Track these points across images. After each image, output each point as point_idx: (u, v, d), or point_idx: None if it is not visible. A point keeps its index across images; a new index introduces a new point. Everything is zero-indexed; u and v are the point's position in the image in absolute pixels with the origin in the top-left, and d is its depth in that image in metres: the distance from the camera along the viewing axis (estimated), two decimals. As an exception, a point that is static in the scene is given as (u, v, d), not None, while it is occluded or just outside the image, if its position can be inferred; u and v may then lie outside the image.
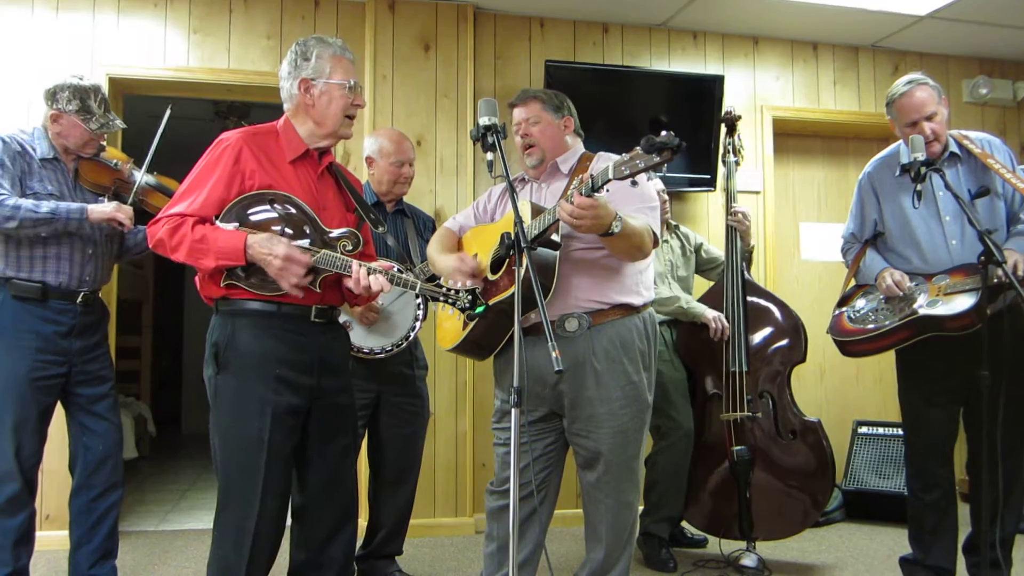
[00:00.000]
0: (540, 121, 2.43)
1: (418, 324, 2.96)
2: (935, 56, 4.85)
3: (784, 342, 3.38)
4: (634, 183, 1.99)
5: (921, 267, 2.78)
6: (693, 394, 3.45)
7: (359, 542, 3.09)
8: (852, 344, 2.85)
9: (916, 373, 2.87)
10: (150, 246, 2.13)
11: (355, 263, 2.10)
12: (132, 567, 3.38)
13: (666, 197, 3.54)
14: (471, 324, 2.30)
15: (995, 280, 2.46)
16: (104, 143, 2.88)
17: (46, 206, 2.59)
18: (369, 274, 2.09)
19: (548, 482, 2.44)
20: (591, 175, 1.98)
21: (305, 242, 2.10)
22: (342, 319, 2.41)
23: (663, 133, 1.80)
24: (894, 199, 2.84)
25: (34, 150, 2.74)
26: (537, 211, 2.24)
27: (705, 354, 3.37)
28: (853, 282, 3.00)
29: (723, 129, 3.66)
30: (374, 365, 2.91)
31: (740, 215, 3.43)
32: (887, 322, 2.74)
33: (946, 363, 2.73)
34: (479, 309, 2.19)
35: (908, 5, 4.17)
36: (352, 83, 2.21)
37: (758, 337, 3.38)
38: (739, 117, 3.62)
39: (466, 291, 2.16)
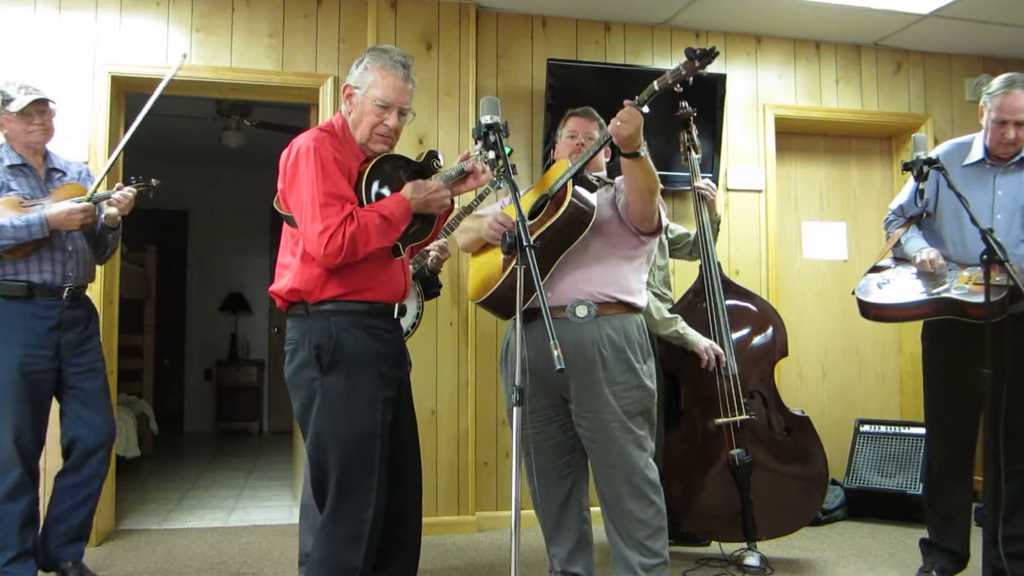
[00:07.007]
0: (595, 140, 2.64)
1: (419, 320, 3.21)
2: (938, 54, 4.84)
3: (767, 339, 3.37)
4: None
5: (961, 255, 2.87)
6: (679, 402, 3.38)
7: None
8: (875, 308, 2.97)
9: (938, 359, 2.98)
10: (332, 264, 2.08)
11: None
12: (134, 565, 3.38)
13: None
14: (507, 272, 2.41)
15: (1011, 281, 2.52)
16: None
17: (8, 231, 2.71)
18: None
19: (573, 465, 2.58)
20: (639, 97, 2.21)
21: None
22: None
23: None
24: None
25: (1, 160, 2.90)
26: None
27: (693, 360, 3.28)
28: (890, 255, 3.08)
29: (680, 127, 3.52)
30: None
31: (707, 183, 3.47)
32: (914, 295, 2.86)
33: (966, 353, 2.81)
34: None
35: (911, 3, 4.15)
36: (386, 103, 2.17)
37: (743, 338, 3.37)
38: (693, 113, 3.53)
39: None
